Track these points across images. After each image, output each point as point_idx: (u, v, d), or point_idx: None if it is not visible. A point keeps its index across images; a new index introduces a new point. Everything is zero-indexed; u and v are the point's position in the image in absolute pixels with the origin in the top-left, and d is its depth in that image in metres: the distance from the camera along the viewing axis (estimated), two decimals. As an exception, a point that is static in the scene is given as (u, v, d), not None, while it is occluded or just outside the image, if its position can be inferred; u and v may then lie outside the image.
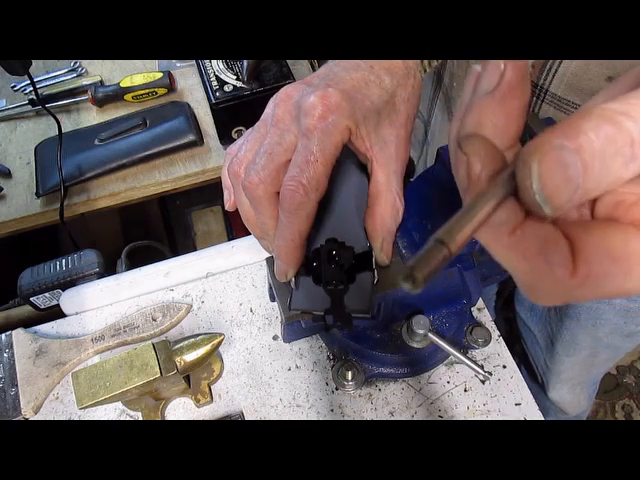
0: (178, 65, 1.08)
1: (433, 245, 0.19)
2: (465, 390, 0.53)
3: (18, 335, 0.56)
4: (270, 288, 0.51)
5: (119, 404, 0.52)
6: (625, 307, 0.74)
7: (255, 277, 0.61)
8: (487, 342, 0.54)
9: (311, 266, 0.40)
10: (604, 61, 0.50)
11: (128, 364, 0.46)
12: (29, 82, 0.87)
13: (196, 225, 1.42)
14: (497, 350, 0.56)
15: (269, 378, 0.54)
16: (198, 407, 0.53)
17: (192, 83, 1.05)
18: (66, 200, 0.90)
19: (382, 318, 0.50)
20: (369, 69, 0.38)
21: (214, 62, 0.92)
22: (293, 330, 0.54)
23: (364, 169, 0.40)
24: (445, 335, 0.52)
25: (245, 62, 0.87)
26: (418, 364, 0.53)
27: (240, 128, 0.92)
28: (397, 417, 0.52)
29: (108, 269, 0.66)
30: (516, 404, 0.52)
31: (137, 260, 0.74)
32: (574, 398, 1.04)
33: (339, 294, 0.39)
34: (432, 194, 0.48)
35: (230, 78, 0.90)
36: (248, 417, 0.52)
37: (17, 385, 0.53)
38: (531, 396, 0.53)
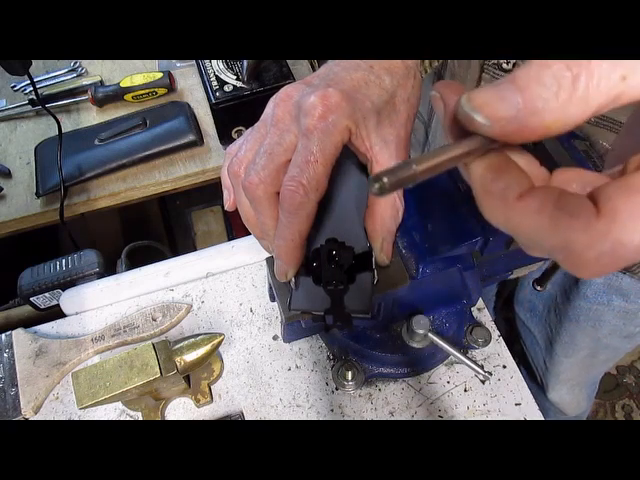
0: (178, 65, 1.08)
1: (404, 164, 0.21)
2: (465, 390, 0.53)
3: (18, 335, 0.56)
4: (270, 288, 0.51)
5: (119, 404, 0.52)
6: (624, 308, 0.74)
7: (255, 277, 0.61)
8: (487, 342, 0.54)
9: (311, 266, 0.40)
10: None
11: (128, 364, 0.46)
12: (29, 82, 0.87)
13: (196, 225, 1.42)
14: (497, 350, 0.56)
15: (269, 378, 0.54)
16: (198, 407, 0.53)
17: (192, 83, 1.05)
18: (66, 200, 0.90)
19: (382, 318, 0.50)
20: (369, 69, 0.38)
21: (214, 62, 0.92)
22: (293, 330, 0.54)
23: (364, 169, 0.40)
24: (445, 335, 0.52)
25: (245, 62, 0.87)
26: (418, 364, 0.53)
27: (240, 128, 0.92)
28: (397, 417, 0.52)
29: (108, 269, 0.66)
30: (516, 404, 0.52)
31: (137, 260, 0.74)
32: (573, 399, 1.04)
33: (339, 294, 0.39)
34: (432, 194, 0.48)
35: (230, 78, 0.90)
36: (248, 417, 0.52)
37: (17, 385, 0.53)
38: (531, 396, 0.53)
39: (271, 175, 0.36)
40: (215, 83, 0.89)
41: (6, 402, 0.52)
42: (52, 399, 0.54)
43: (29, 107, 1.01)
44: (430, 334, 0.49)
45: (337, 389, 0.53)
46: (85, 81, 1.05)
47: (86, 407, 0.45)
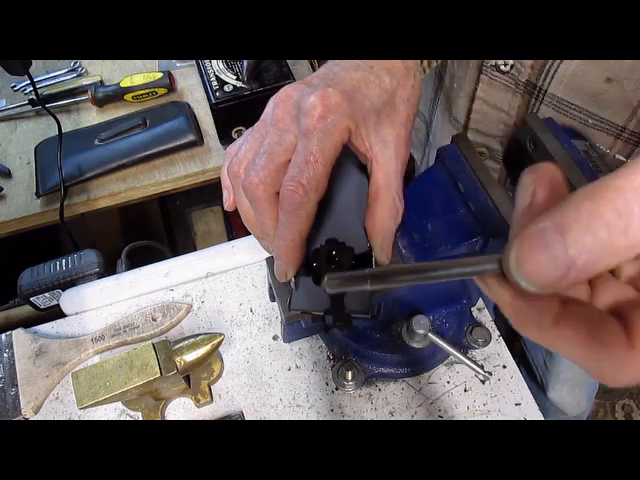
0: (178, 65, 1.08)
1: (361, 275, 0.21)
2: (465, 390, 0.53)
3: (18, 335, 0.56)
4: (270, 288, 0.51)
5: (119, 404, 0.52)
6: None
7: (255, 277, 0.61)
8: (487, 342, 0.54)
9: (311, 266, 0.40)
10: (603, 62, 0.50)
11: (128, 364, 0.46)
12: (29, 82, 0.87)
13: (196, 225, 1.42)
14: (497, 350, 0.56)
15: (269, 378, 0.54)
16: (198, 407, 0.53)
17: (192, 83, 1.05)
18: (66, 200, 0.90)
19: (382, 318, 0.50)
20: (369, 69, 0.38)
21: (214, 62, 0.92)
22: (293, 330, 0.54)
23: (364, 169, 0.40)
24: (445, 335, 0.52)
25: (245, 62, 0.87)
26: (418, 364, 0.53)
27: (240, 128, 0.92)
28: (397, 417, 0.52)
29: (108, 269, 0.66)
30: (516, 404, 0.52)
31: (137, 260, 0.74)
32: (573, 399, 1.04)
33: (339, 295, 0.39)
34: (432, 194, 0.48)
35: (230, 78, 0.90)
36: (248, 417, 0.52)
37: (17, 385, 0.53)
38: (531, 396, 0.53)
39: (271, 175, 0.36)
40: (215, 83, 0.89)
41: (6, 402, 0.52)
42: (52, 399, 0.54)
43: (29, 107, 1.01)
44: (430, 334, 0.49)
45: (337, 389, 0.53)
46: (85, 81, 1.05)
47: (86, 407, 0.44)
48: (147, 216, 1.33)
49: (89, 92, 1.01)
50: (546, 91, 0.56)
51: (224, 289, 0.60)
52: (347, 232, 0.40)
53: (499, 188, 0.45)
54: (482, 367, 0.50)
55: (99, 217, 0.99)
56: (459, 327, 0.54)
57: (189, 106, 1.00)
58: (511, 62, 0.55)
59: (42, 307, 0.67)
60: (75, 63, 1.08)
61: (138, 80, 1.00)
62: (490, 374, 0.51)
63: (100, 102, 1.01)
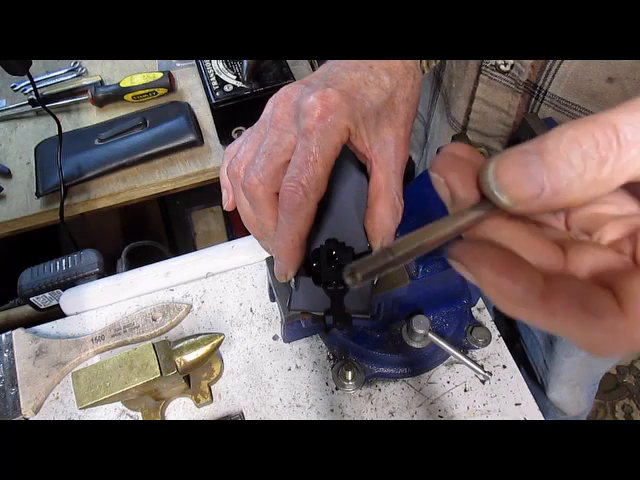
0: (178, 65, 1.08)
1: (380, 252, 0.21)
2: (465, 390, 0.53)
3: (18, 335, 0.56)
4: (270, 288, 0.51)
5: (119, 404, 0.52)
6: None
7: (255, 277, 0.61)
8: (487, 342, 0.54)
9: (311, 266, 0.40)
10: (604, 62, 0.50)
11: (128, 364, 0.46)
12: (29, 82, 0.87)
13: (196, 225, 1.42)
14: (497, 350, 0.56)
15: (269, 378, 0.54)
16: (198, 407, 0.53)
17: (192, 83, 1.05)
18: (66, 200, 0.90)
19: (382, 318, 0.50)
20: (368, 69, 0.38)
21: (214, 62, 0.92)
22: (293, 330, 0.54)
23: (364, 169, 0.40)
24: (445, 335, 0.52)
25: (245, 62, 0.87)
26: (418, 364, 0.53)
27: (240, 128, 0.92)
28: (397, 417, 0.52)
29: (108, 269, 0.66)
30: (516, 404, 0.52)
31: (137, 260, 0.74)
32: (573, 399, 1.04)
33: (339, 295, 0.39)
34: (431, 194, 0.48)
35: (230, 78, 0.90)
36: (248, 417, 0.52)
37: (17, 385, 0.53)
38: (531, 396, 0.53)
39: (270, 176, 0.36)
40: (215, 83, 0.89)
41: (6, 402, 0.52)
42: (52, 399, 0.54)
43: (29, 107, 1.01)
44: (430, 334, 0.49)
45: (337, 389, 0.53)
46: (85, 81, 1.05)
47: (86, 407, 0.44)
48: (147, 216, 1.33)
49: (89, 92, 1.01)
50: (546, 91, 0.56)
51: (224, 289, 0.60)
52: (347, 232, 0.40)
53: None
54: (482, 367, 0.50)
55: (99, 217, 0.99)
56: (459, 327, 0.54)
57: (189, 106, 1.00)
58: (511, 62, 0.55)
59: (42, 307, 0.67)
60: (75, 63, 1.08)
61: (138, 80, 1.01)
62: (490, 374, 0.51)
63: (100, 102, 1.01)
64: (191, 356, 0.48)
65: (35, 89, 0.87)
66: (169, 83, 1.01)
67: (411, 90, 0.40)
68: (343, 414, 0.52)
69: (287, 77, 0.89)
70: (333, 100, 0.34)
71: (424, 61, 0.48)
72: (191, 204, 1.43)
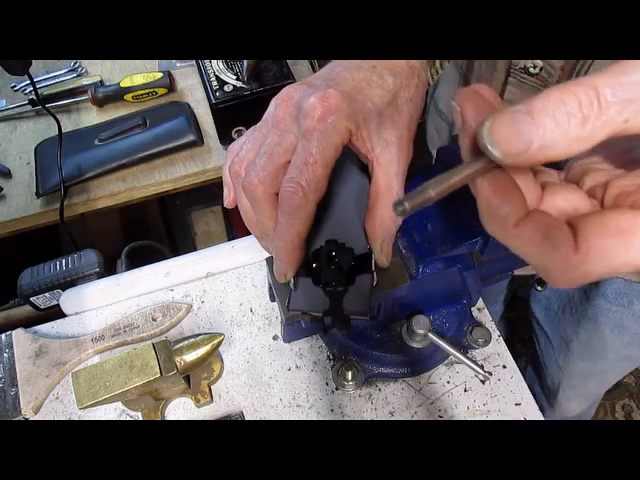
0: (178, 65, 1.08)
1: (422, 188, 0.25)
2: (465, 390, 0.53)
3: (18, 335, 0.56)
4: (270, 288, 0.51)
5: (119, 404, 0.52)
6: None
7: (255, 277, 0.61)
8: (487, 342, 0.54)
9: (311, 267, 0.40)
10: None
11: (128, 364, 0.46)
12: (29, 82, 0.87)
13: (196, 225, 1.42)
14: (497, 350, 0.56)
15: (269, 378, 0.54)
16: (198, 407, 0.53)
17: (192, 83, 1.05)
18: (66, 200, 0.90)
19: (382, 318, 0.50)
20: (371, 69, 0.38)
21: (214, 62, 0.92)
22: (293, 330, 0.54)
23: (365, 170, 0.40)
24: (445, 335, 0.52)
25: (245, 62, 0.87)
26: (418, 364, 0.53)
27: (240, 128, 0.92)
28: (397, 417, 0.52)
29: (108, 269, 0.66)
30: (516, 404, 0.52)
31: (137, 260, 0.74)
32: (580, 404, 1.04)
33: (338, 296, 0.39)
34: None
35: (230, 78, 0.90)
36: (248, 417, 0.52)
37: (17, 385, 0.53)
38: (531, 396, 0.53)
39: (271, 176, 0.36)
40: (215, 83, 0.89)
41: (6, 402, 0.52)
42: (52, 399, 0.54)
43: (29, 107, 1.01)
44: (430, 334, 0.49)
45: (337, 389, 0.53)
46: (85, 81, 1.05)
47: (86, 407, 0.44)
48: (147, 216, 1.33)
49: (89, 92, 1.01)
50: None
51: (224, 289, 0.60)
52: (347, 233, 0.40)
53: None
54: (482, 367, 0.50)
55: (99, 217, 0.99)
56: (459, 327, 0.54)
57: (189, 106, 1.00)
58: (540, 64, 0.55)
59: (42, 307, 0.67)
60: (75, 63, 1.08)
61: (138, 80, 1.01)
62: (490, 374, 0.51)
63: (100, 102, 1.01)
64: (191, 356, 0.48)
65: (35, 89, 0.87)
66: (169, 83, 1.01)
67: (415, 90, 0.40)
68: (343, 414, 0.52)
69: (287, 77, 0.89)
70: (334, 101, 0.34)
71: (436, 63, 0.47)
72: (191, 204, 1.43)
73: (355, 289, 0.40)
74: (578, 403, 1.03)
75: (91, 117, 1.02)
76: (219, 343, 0.49)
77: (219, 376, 0.54)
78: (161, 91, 1.02)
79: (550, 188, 0.26)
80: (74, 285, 0.63)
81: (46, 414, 0.53)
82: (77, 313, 0.60)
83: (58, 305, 0.61)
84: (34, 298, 0.65)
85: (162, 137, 0.95)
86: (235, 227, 1.40)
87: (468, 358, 0.50)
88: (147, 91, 1.01)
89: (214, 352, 0.49)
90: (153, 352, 0.47)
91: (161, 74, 1.01)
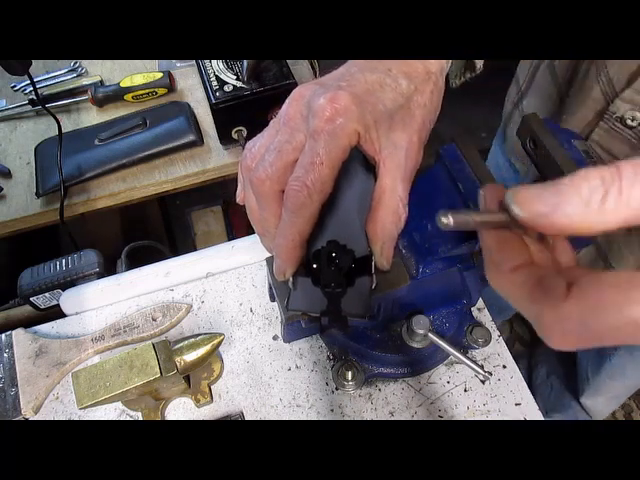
0: (178, 65, 1.08)
1: (467, 212, 0.27)
2: (465, 390, 0.53)
3: (18, 335, 0.56)
4: (270, 288, 0.51)
5: (119, 404, 0.52)
6: None
7: (255, 277, 0.61)
8: (487, 342, 0.54)
9: (311, 267, 0.40)
10: None
11: (128, 364, 0.46)
12: (29, 82, 0.87)
13: (196, 225, 1.42)
14: (497, 350, 0.56)
15: (269, 378, 0.54)
16: (198, 407, 0.53)
17: (192, 83, 1.05)
18: (66, 200, 0.90)
19: (382, 318, 0.50)
20: (386, 72, 0.38)
21: (214, 62, 0.92)
22: (293, 330, 0.54)
23: (370, 172, 0.39)
24: (445, 335, 0.52)
25: (245, 62, 0.87)
26: (418, 364, 0.53)
27: (240, 128, 0.92)
28: (397, 417, 0.52)
29: (108, 269, 0.66)
30: (516, 404, 0.52)
31: (137, 260, 0.74)
32: (604, 408, 1.05)
33: (337, 297, 0.39)
34: (432, 194, 0.48)
35: (230, 78, 0.90)
36: (248, 417, 0.52)
37: (17, 385, 0.53)
38: (531, 396, 0.53)
39: (278, 172, 0.36)
40: (215, 83, 0.89)
41: (6, 402, 0.52)
42: (52, 399, 0.54)
43: (29, 107, 1.01)
44: (430, 334, 0.49)
45: (337, 389, 0.53)
46: (85, 81, 1.04)
47: (86, 407, 0.44)
48: (147, 216, 1.33)
49: (89, 92, 1.01)
50: None
51: (224, 289, 0.60)
52: (349, 234, 0.40)
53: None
54: (482, 367, 0.50)
55: (99, 217, 0.99)
56: (459, 327, 0.54)
57: (189, 106, 1.00)
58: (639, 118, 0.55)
59: (42, 307, 0.67)
60: (75, 63, 1.08)
61: (138, 80, 1.00)
62: (490, 374, 0.51)
63: (100, 102, 1.01)
64: (191, 356, 0.48)
65: (35, 89, 0.87)
66: (169, 83, 1.01)
67: (430, 96, 0.39)
68: (343, 414, 0.52)
69: (287, 77, 0.89)
70: (343, 103, 0.34)
71: (457, 67, 0.47)
72: (191, 204, 1.43)
73: (354, 291, 0.40)
74: (602, 406, 1.04)
75: (91, 117, 1.02)
76: (219, 343, 0.49)
77: (219, 376, 0.54)
78: (161, 91, 1.02)
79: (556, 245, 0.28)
80: (74, 285, 0.63)
81: (46, 414, 0.53)
82: (77, 313, 0.60)
83: (58, 305, 0.61)
84: (34, 298, 0.65)
85: (162, 137, 0.94)
86: (235, 227, 1.40)
87: (468, 358, 0.50)
88: (147, 91, 1.01)
89: (214, 352, 0.49)
90: (153, 352, 0.47)
91: (161, 74, 1.01)
